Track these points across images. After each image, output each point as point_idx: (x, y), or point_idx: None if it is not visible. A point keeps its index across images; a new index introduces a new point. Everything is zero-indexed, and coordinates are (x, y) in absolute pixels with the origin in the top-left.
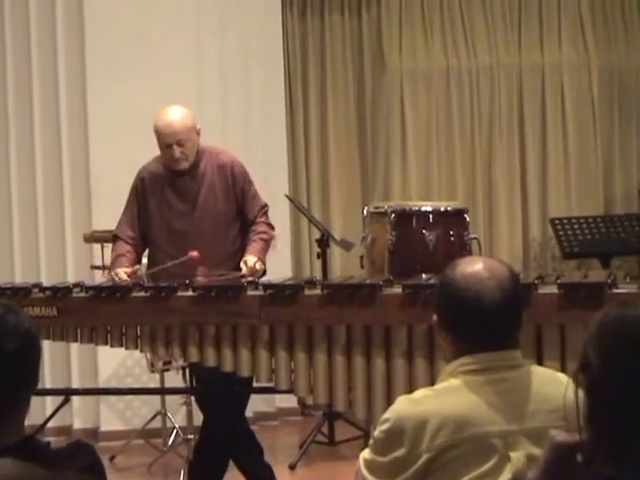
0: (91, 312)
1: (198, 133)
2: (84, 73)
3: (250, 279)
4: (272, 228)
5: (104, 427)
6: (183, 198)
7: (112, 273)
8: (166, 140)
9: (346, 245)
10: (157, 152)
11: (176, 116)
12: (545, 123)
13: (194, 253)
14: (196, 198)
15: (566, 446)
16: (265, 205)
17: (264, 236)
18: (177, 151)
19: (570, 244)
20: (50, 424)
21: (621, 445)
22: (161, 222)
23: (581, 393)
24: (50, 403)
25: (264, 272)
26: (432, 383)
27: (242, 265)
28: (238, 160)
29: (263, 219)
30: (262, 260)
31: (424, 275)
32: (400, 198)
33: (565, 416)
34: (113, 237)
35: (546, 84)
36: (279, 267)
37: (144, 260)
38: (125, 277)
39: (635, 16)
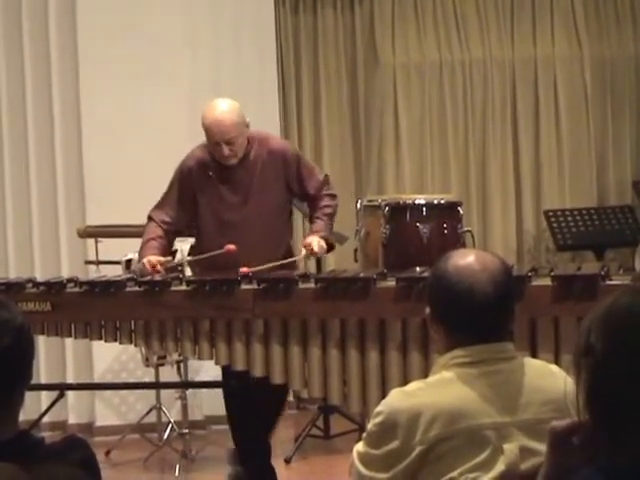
0: (85, 307)
1: (247, 126)
2: (77, 68)
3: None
4: (334, 198)
5: (99, 422)
6: (235, 189)
7: (144, 260)
8: (215, 139)
9: (340, 239)
10: (150, 146)
11: (225, 113)
12: (538, 116)
13: (231, 246)
14: (248, 189)
15: (565, 430)
16: (325, 177)
17: (326, 210)
18: (226, 149)
19: (564, 236)
20: (45, 419)
21: (619, 432)
22: (211, 213)
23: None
24: (45, 398)
25: (332, 247)
26: (426, 376)
27: (302, 248)
28: (288, 144)
29: (324, 191)
30: (326, 238)
31: (418, 268)
32: (394, 191)
33: (561, 407)
34: (148, 217)
35: (539, 77)
36: None
37: (180, 246)
38: (158, 266)
39: (627, 8)
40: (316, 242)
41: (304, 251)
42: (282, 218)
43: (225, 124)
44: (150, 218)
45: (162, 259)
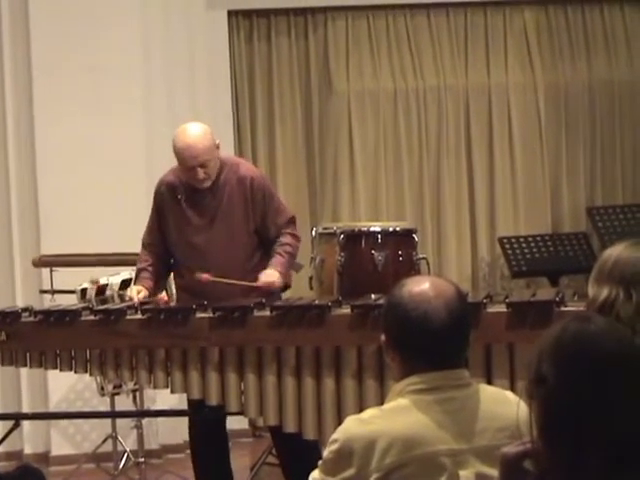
0: (40, 336)
1: (218, 147)
2: (31, 96)
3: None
4: (298, 239)
5: (55, 451)
6: (201, 212)
7: (128, 294)
8: (188, 163)
9: (295, 266)
10: (105, 175)
11: (196, 137)
12: (492, 143)
13: (204, 275)
14: (215, 212)
15: (516, 456)
16: (292, 217)
17: (287, 248)
18: (200, 173)
19: (518, 263)
20: (0, 449)
21: (574, 459)
22: (179, 236)
23: (532, 406)
24: (0, 428)
25: (288, 286)
26: (382, 403)
27: (260, 276)
28: (258, 173)
29: (289, 230)
30: (284, 274)
31: (373, 295)
32: (349, 219)
33: (515, 433)
34: (141, 243)
35: (493, 104)
36: None
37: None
38: (134, 297)
39: (580, 35)
40: (274, 277)
41: (260, 280)
42: (251, 244)
43: (197, 148)
44: (142, 244)
45: (143, 292)
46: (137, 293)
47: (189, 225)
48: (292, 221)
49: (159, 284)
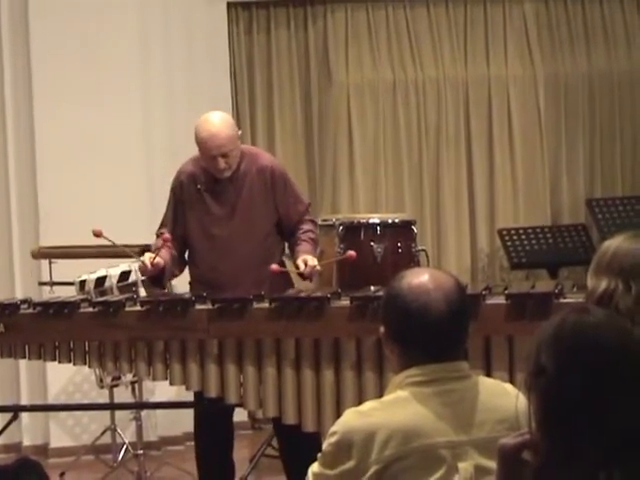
0: (39, 328)
1: (239, 138)
2: (31, 88)
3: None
4: (316, 225)
5: (54, 443)
6: (222, 203)
7: (141, 258)
8: (211, 153)
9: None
10: (104, 166)
11: (219, 126)
12: (492, 134)
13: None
14: (235, 203)
15: (514, 447)
16: (308, 203)
17: (311, 235)
18: (222, 162)
19: (518, 254)
20: None
21: (572, 450)
22: (199, 227)
23: (531, 397)
24: None
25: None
26: (381, 395)
27: (300, 264)
28: (277, 162)
29: (307, 216)
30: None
31: (372, 287)
32: (348, 211)
33: (515, 425)
34: (156, 235)
35: (492, 96)
36: None
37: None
38: (146, 261)
39: (580, 27)
40: (316, 263)
41: (302, 267)
42: (271, 235)
43: (220, 137)
44: (156, 235)
45: (154, 258)
46: (149, 259)
47: (209, 215)
48: (309, 207)
49: (174, 266)
